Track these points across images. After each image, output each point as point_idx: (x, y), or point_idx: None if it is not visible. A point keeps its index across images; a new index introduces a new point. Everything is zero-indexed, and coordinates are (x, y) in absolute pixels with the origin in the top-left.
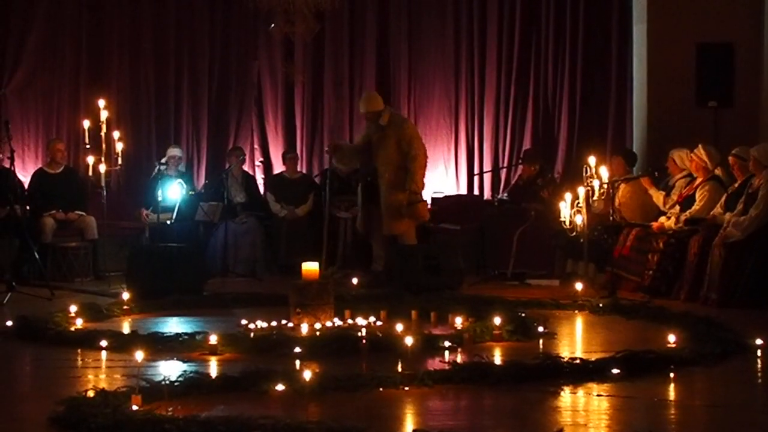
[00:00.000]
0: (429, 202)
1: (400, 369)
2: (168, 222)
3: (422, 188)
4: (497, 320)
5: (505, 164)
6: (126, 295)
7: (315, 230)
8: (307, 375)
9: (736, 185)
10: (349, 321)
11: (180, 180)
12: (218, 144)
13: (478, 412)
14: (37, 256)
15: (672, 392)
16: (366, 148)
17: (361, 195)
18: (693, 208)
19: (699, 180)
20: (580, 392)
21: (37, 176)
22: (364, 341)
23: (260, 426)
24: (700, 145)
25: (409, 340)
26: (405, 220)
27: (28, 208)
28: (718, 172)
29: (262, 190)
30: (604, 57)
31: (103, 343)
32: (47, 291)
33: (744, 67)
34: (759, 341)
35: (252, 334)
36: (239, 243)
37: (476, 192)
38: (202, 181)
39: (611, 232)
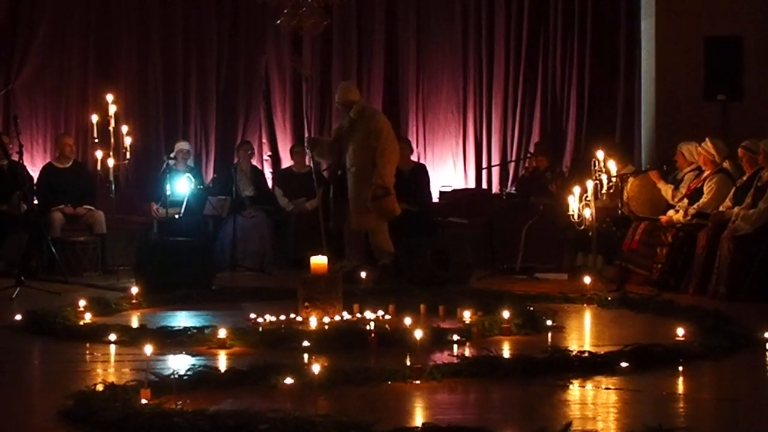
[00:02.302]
0: (437, 195)
1: (408, 363)
2: (176, 216)
3: (390, 183)
4: (506, 314)
5: (514, 158)
6: (134, 290)
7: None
8: (316, 369)
9: (745, 178)
10: (358, 315)
11: (188, 174)
12: (226, 138)
13: (486, 406)
14: (53, 249)
15: (681, 386)
16: (336, 140)
17: (333, 189)
18: (701, 200)
19: (707, 173)
20: (589, 386)
21: (45, 171)
22: (372, 335)
23: (269, 419)
24: (707, 139)
25: (417, 334)
26: (372, 215)
27: (36, 202)
28: (726, 165)
29: (270, 184)
30: (612, 51)
31: (112, 337)
32: (57, 285)
33: (752, 60)
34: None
35: (260, 328)
36: (248, 237)
37: (484, 186)
38: (211, 175)
39: (620, 225)
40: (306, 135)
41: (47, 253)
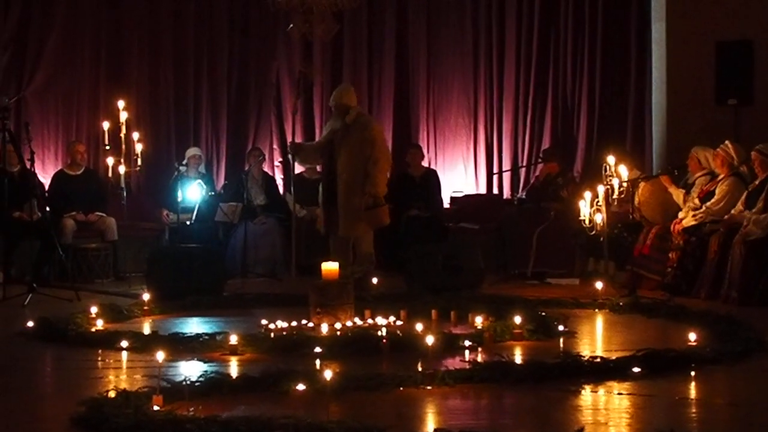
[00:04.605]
0: (448, 201)
1: (420, 368)
2: (188, 223)
3: (382, 193)
4: (517, 319)
5: (524, 163)
6: (146, 296)
7: None
8: (328, 375)
9: (757, 182)
10: (370, 321)
11: (200, 181)
12: (237, 145)
13: (498, 412)
14: (62, 254)
15: (693, 390)
16: (328, 144)
17: (322, 194)
18: (711, 201)
19: (721, 176)
20: (601, 391)
21: (57, 178)
22: (384, 341)
23: (281, 426)
24: (727, 141)
25: (429, 340)
26: (362, 224)
27: (48, 209)
28: (743, 169)
29: (281, 190)
30: (623, 55)
31: (124, 343)
32: (69, 292)
33: (763, 64)
34: None
35: (272, 335)
36: (259, 244)
37: (495, 191)
38: (222, 182)
39: (631, 230)
40: (289, 140)
41: (59, 261)
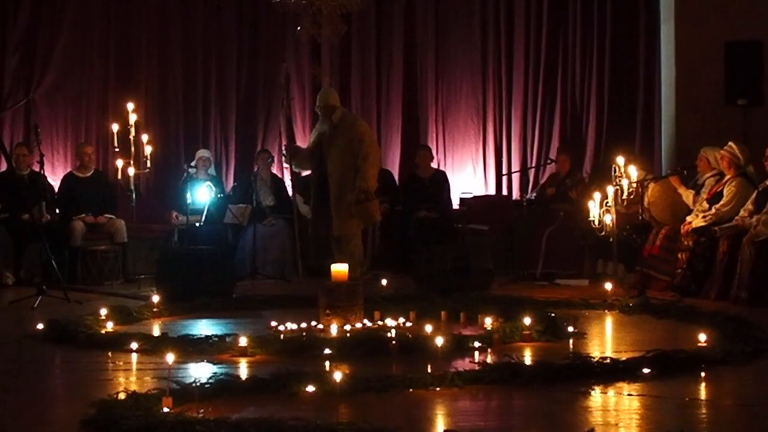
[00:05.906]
0: (457, 202)
1: (430, 370)
2: (197, 224)
3: (372, 188)
4: (527, 320)
5: (534, 164)
6: (156, 298)
7: None
8: (338, 376)
9: (767, 182)
10: (379, 322)
11: (209, 182)
12: (246, 146)
13: (508, 413)
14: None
15: (703, 391)
16: (317, 149)
17: (314, 196)
18: (720, 203)
19: (728, 176)
20: (611, 392)
21: (66, 180)
22: (393, 342)
23: (291, 427)
24: (731, 142)
25: (438, 341)
26: (355, 221)
27: (57, 211)
28: (749, 169)
29: (290, 191)
30: (632, 56)
31: (134, 345)
32: (77, 294)
33: None
34: None
35: (282, 336)
36: (268, 245)
37: (505, 192)
38: (231, 183)
39: (641, 231)
40: (284, 143)
41: (68, 263)
